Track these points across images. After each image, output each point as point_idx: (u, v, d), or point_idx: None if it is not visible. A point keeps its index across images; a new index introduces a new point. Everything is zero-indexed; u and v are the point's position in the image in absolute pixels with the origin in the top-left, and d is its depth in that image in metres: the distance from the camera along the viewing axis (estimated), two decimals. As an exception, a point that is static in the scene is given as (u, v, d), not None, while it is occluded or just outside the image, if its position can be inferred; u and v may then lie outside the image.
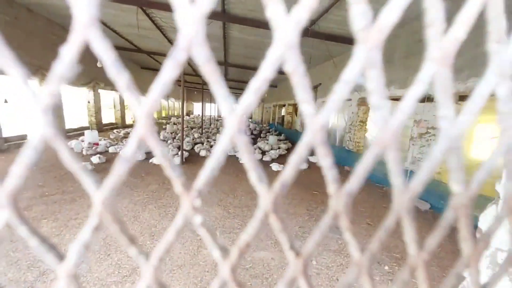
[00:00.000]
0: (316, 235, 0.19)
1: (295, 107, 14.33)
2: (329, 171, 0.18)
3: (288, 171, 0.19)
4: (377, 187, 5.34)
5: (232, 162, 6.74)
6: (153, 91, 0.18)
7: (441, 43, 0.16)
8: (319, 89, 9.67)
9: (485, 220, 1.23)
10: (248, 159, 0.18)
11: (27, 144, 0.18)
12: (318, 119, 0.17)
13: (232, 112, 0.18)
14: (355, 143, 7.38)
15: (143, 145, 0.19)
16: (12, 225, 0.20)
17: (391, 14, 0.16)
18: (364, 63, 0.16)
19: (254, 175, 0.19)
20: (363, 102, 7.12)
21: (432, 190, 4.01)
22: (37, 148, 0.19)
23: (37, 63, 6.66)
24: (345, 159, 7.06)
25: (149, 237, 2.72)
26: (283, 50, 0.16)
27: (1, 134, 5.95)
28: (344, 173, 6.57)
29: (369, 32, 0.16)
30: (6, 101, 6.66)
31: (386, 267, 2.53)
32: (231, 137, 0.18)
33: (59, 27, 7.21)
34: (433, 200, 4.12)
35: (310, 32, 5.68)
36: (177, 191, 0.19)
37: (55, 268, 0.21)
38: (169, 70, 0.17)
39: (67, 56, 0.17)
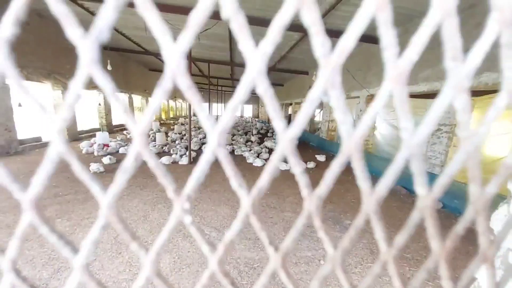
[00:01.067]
0: (293, 233, 0.22)
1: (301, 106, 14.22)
2: (301, 177, 0.21)
3: (264, 178, 0.21)
4: None
5: (239, 161, 6.76)
6: (146, 115, 0.21)
7: (396, 64, 0.18)
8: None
9: (497, 219, 1.18)
10: (228, 168, 0.21)
11: (46, 158, 0.22)
12: (288, 133, 0.20)
13: (213, 129, 0.21)
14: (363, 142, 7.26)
15: (140, 159, 0.22)
16: (35, 225, 0.24)
17: (347, 42, 0.18)
18: (326, 84, 0.19)
19: (234, 182, 0.21)
20: (372, 99, 6.99)
21: (446, 190, 3.87)
22: (53, 161, 0.22)
23: (49, 67, 6.86)
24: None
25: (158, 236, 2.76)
26: (254, 76, 0.19)
27: (16, 136, 6.15)
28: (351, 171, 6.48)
29: (329, 59, 0.18)
30: (20, 105, 6.90)
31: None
32: (213, 150, 0.21)
33: (53, 24, 7.35)
34: (446, 200, 4.00)
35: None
36: (169, 196, 0.21)
37: (70, 260, 0.25)
38: (159, 96, 0.21)
39: (75, 88, 0.20)
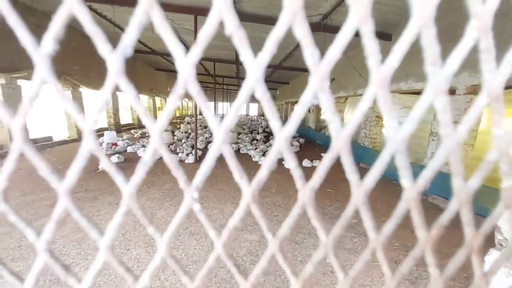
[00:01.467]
0: (288, 220, 0.24)
1: (308, 103, 14.07)
2: (295, 171, 0.23)
3: (263, 172, 0.23)
4: (394, 184, 5.18)
5: (244, 160, 6.79)
6: (162, 117, 0.24)
7: (379, 70, 0.19)
8: (333, 84, 9.49)
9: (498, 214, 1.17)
10: (231, 163, 0.24)
11: (79, 155, 0.26)
12: (283, 132, 0.22)
13: (218, 128, 0.23)
14: (371, 139, 7.18)
15: (156, 154, 0.25)
16: (69, 210, 0.28)
17: (334, 52, 0.20)
18: (316, 88, 0.21)
19: (237, 175, 0.23)
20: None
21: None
22: (85, 157, 0.26)
23: (60, 68, 7.01)
24: (360, 156, 6.90)
25: (165, 234, 2.81)
26: (253, 83, 0.22)
27: (28, 136, 6.32)
28: (360, 170, 6.44)
29: (318, 67, 0.20)
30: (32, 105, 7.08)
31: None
32: (219, 147, 0.23)
33: (79, 33, 7.53)
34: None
35: (322, 27, 5.58)
36: (181, 186, 0.24)
37: (98, 241, 0.28)
38: (173, 101, 0.23)
39: (103, 94, 0.23)
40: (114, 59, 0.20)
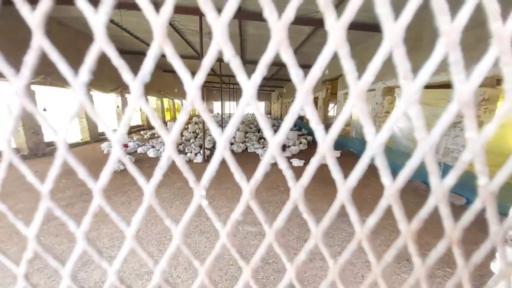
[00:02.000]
0: (282, 214, 0.27)
1: (315, 101, 13.98)
2: (286, 172, 0.26)
3: (259, 173, 0.26)
4: (420, 184, 5.06)
5: (252, 159, 6.83)
6: (175, 128, 0.28)
7: (356, 85, 0.22)
8: (340, 81, 9.38)
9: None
10: (232, 165, 0.27)
11: (110, 160, 0.30)
12: (275, 139, 0.25)
13: (220, 136, 0.26)
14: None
15: (171, 159, 0.29)
16: (102, 206, 0.32)
17: (315, 71, 0.23)
18: (302, 102, 0.23)
19: (237, 176, 0.27)
20: (388, 91, 6.78)
21: (469, 184, 3.66)
22: (114, 162, 0.30)
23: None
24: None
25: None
26: (248, 99, 0.25)
27: (43, 139, 6.57)
28: (369, 167, 6.34)
29: (303, 84, 0.23)
30: (45, 109, 7.34)
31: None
32: (221, 153, 0.27)
33: (91, 39, 7.74)
34: (470, 194, 3.82)
35: (327, 23, 5.51)
36: (191, 185, 0.28)
37: (125, 231, 0.32)
38: (183, 116, 0.28)
39: (128, 112, 0.28)
40: (136, 85, 0.23)
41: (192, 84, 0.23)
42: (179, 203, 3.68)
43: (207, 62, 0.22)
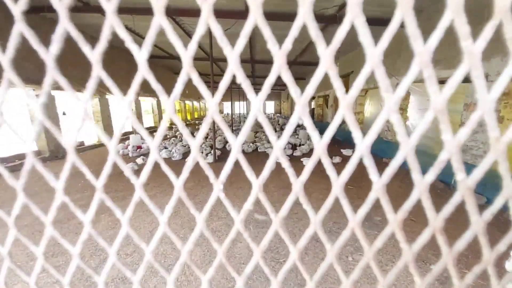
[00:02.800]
0: (285, 205, 0.31)
1: (325, 98, 13.76)
2: (288, 169, 0.30)
3: (265, 171, 0.30)
4: (441, 183, 4.92)
5: (262, 158, 6.86)
6: (198, 136, 0.32)
7: (344, 98, 0.26)
8: (351, 77, 9.24)
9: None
10: (244, 166, 0.31)
11: (148, 163, 0.34)
12: (279, 143, 0.29)
13: (234, 142, 0.30)
14: (394, 133, 6.91)
15: (195, 161, 0.33)
16: (143, 198, 0.36)
17: (309, 89, 0.26)
18: (300, 113, 0.28)
19: (248, 172, 0.31)
20: (400, 88, 6.59)
21: (489, 183, 3.48)
22: (152, 164, 0.34)
23: (86, 77, 7.49)
24: (383, 151, 6.68)
25: (189, 231, 2.97)
26: (256, 113, 0.28)
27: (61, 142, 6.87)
28: (382, 165, 6.24)
29: (300, 99, 0.27)
30: (64, 113, 7.67)
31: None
32: (235, 155, 0.31)
33: (97, 41, 7.98)
34: (490, 193, 3.64)
35: (338, 18, 5.47)
36: (211, 181, 0.32)
37: (159, 217, 0.37)
38: (204, 128, 0.32)
39: (163, 125, 0.33)
40: (170, 103, 0.27)
41: (212, 102, 0.27)
42: (192, 202, 3.76)
43: (223, 85, 0.26)
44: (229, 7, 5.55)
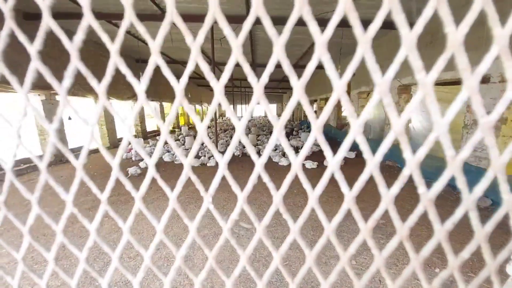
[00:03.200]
0: (267, 214, 0.34)
1: (327, 101, 13.75)
2: (269, 184, 0.33)
3: (249, 184, 0.32)
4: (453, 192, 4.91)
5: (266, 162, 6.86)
6: (189, 156, 0.34)
7: (316, 121, 0.27)
8: (353, 80, 9.26)
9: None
10: (230, 182, 0.33)
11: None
12: (260, 161, 0.32)
13: (221, 160, 0.32)
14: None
15: (185, 179, 0.34)
16: (141, 209, 0.39)
17: (292, 103, 0.26)
18: (277, 135, 0.31)
19: (233, 186, 0.35)
20: (404, 89, 6.62)
21: (495, 185, 3.40)
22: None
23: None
24: (387, 154, 6.66)
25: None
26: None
27: (67, 146, 6.98)
28: (385, 168, 6.22)
29: (277, 123, 0.29)
30: (70, 118, 7.78)
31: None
32: (222, 171, 0.32)
33: (104, 49, 8.14)
34: (495, 196, 3.62)
35: (339, 22, 5.51)
36: (201, 194, 0.35)
37: (156, 227, 0.40)
38: (195, 147, 0.33)
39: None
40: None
41: (201, 126, 0.30)
42: (194, 207, 3.79)
43: (212, 109, 0.29)
44: (230, 12, 5.64)
